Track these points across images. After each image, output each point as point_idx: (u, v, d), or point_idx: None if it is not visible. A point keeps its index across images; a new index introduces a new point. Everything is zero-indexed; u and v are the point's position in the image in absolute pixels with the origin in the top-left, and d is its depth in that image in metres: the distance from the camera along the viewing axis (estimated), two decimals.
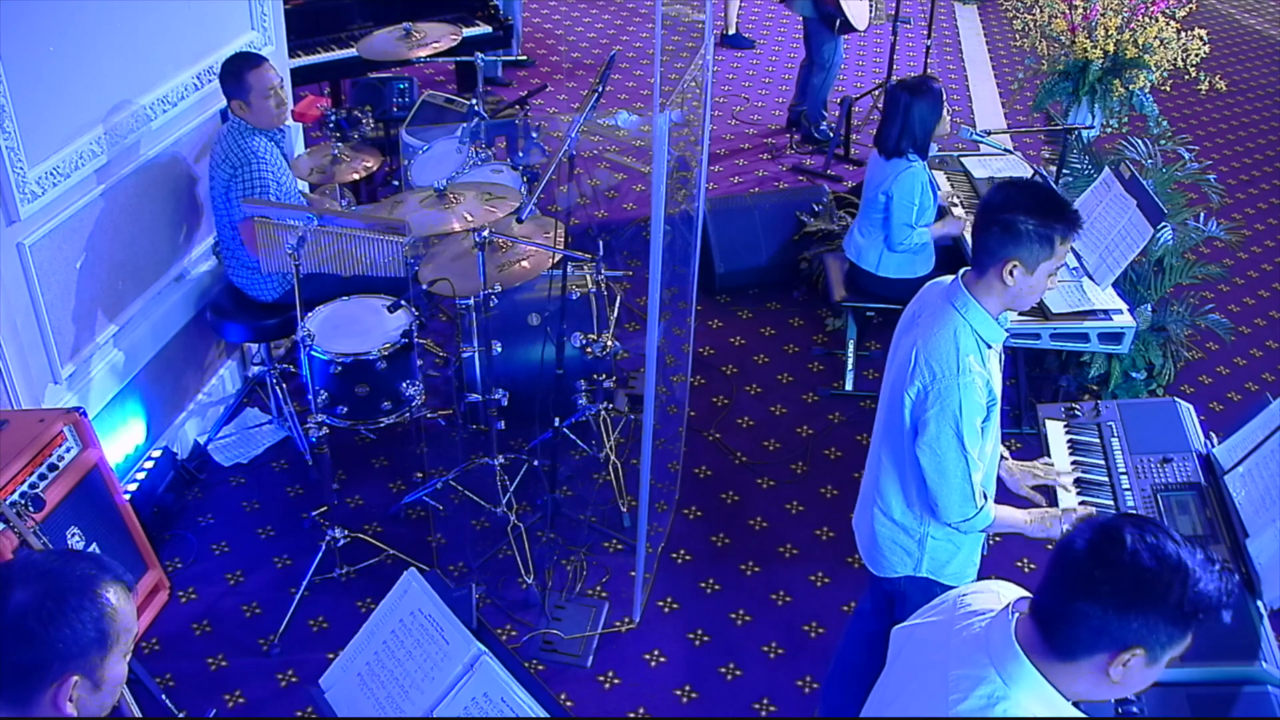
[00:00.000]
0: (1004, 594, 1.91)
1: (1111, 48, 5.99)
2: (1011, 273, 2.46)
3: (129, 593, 1.75)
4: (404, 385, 3.83)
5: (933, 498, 2.62)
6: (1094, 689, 1.70)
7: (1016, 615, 1.77)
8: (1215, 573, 1.63)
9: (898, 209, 4.42)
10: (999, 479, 2.99)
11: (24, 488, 3.11)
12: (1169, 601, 1.60)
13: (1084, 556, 1.65)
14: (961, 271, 2.61)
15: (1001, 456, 2.96)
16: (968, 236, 4.52)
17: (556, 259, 3.82)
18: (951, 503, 2.59)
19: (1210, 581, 1.62)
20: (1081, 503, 3.01)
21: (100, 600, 1.68)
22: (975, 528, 2.67)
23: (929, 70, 7.32)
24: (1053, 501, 3.04)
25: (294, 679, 3.55)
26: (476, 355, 4.03)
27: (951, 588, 2.76)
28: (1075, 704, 1.72)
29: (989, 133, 4.97)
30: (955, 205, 4.84)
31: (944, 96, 4.40)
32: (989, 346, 2.57)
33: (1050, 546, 2.79)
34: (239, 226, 4.01)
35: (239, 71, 3.95)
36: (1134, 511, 2.96)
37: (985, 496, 2.64)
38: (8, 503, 2.89)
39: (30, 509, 3.00)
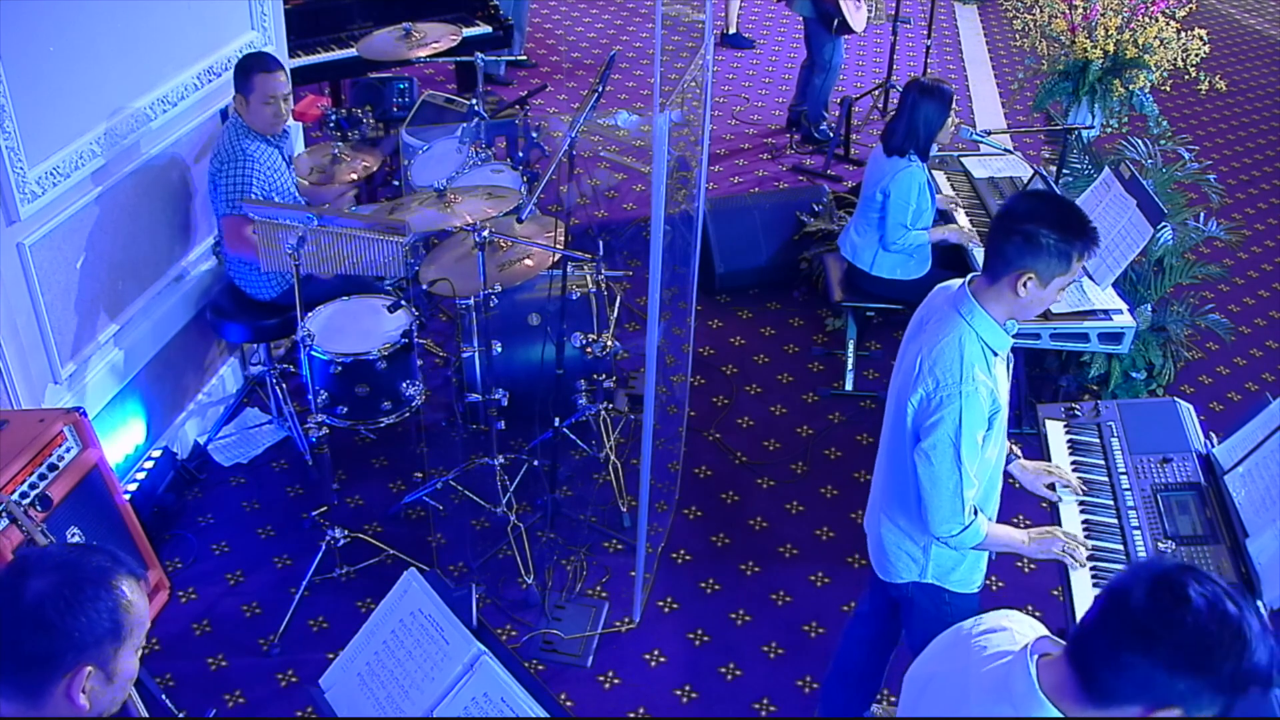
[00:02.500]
0: (1019, 631, 1.86)
1: (1111, 48, 5.99)
2: (1025, 284, 2.45)
3: (143, 588, 1.77)
4: (404, 385, 3.83)
5: (923, 506, 2.61)
6: None
7: (1037, 657, 1.72)
8: (1266, 642, 1.56)
9: (893, 208, 4.42)
10: (1014, 478, 2.98)
11: (24, 487, 3.11)
12: (1223, 672, 1.53)
13: (1144, 608, 1.57)
14: (969, 277, 2.59)
15: (1013, 454, 2.95)
16: (971, 247, 4.52)
17: (556, 259, 3.83)
18: (939, 514, 2.58)
19: (1264, 654, 1.54)
20: (1081, 504, 3.00)
21: (116, 591, 1.70)
22: (964, 544, 2.64)
23: (929, 70, 7.33)
24: (1052, 501, 3.04)
25: (294, 679, 3.55)
26: (476, 355, 4.04)
27: (959, 594, 2.77)
28: None
29: (989, 133, 4.98)
30: (957, 208, 4.84)
31: (953, 102, 4.40)
32: (995, 354, 2.56)
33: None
34: (220, 222, 4.01)
35: (249, 69, 3.96)
36: (1134, 512, 2.96)
37: (976, 513, 2.62)
38: (14, 498, 2.89)
39: (38, 507, 3.01)
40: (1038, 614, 2.44)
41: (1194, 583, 1.56)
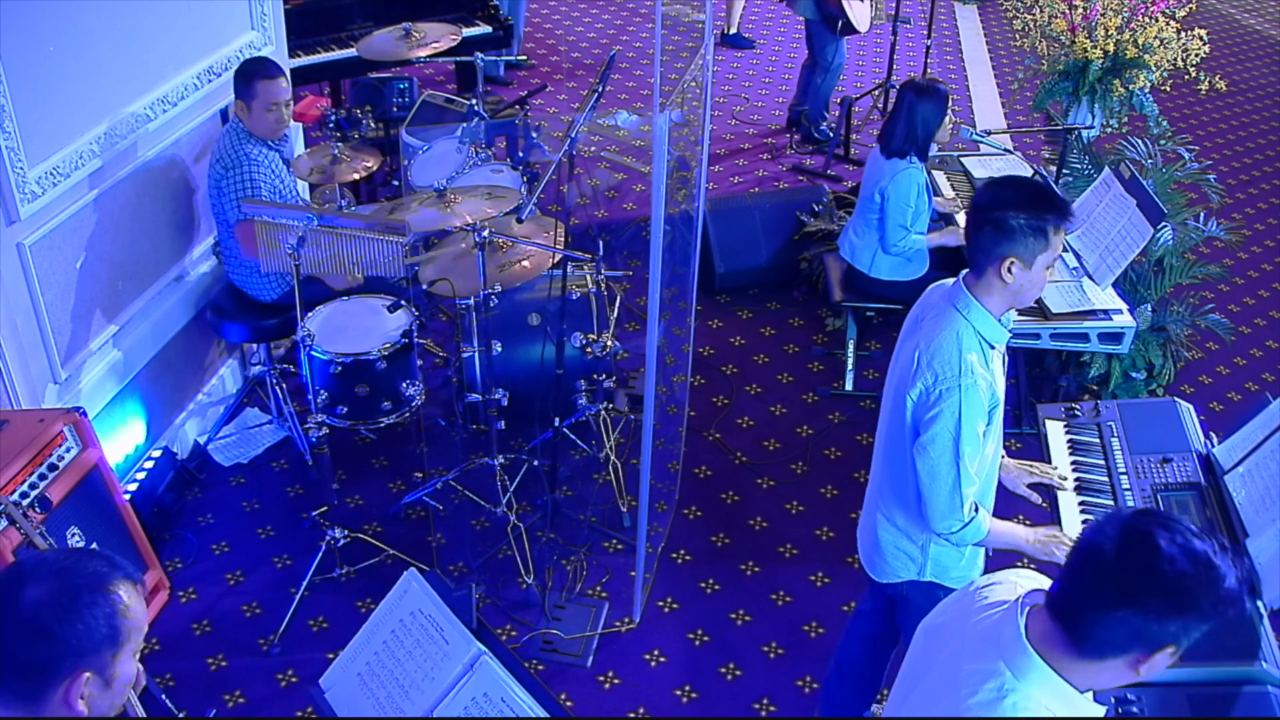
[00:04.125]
0: (1021, 585, 1.91)
1: (1111, 48, 5.99)
2: (1010, 270, 2.46)
3: (139, 592, 1.76)
4: (404, 385, 3.83)
5: (923, 503, 2.62)
6: (1115, 679, 1.72)
7: (1028, 608, 1.78)
8: (1231, 564, 1.64)
9: (893, 210, 4.42)
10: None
11: (24, 487, 3.11)
12: (1205, 605, 1.62)
13: (1119, 563, 1.64)
14: (964, 273, 2.60)
15: None
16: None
17: (556, 259, 3.83)
18: (939, 510, 2.58)
19: (1232, 575, 1.63)
20: (1081, 503, 3.00)
21: (113, 597, 1.70)
22: (965, 540, 2.64)
23: (929, 70, 7.33)
24: (1052, 500, 3.04)
25: (294, 679, 3.55)
26: (476, 355, 4.04)
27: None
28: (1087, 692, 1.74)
29: (989, 133, 4.98)
30: (957, 211, 4.83)
31: (950, 101, 4.40)
32: (992, 347, 2.57)
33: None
34: (234, 228, 4.01)
35: (251, 75, 3.95)
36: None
37: (977, 509, 2.62)
38: (11, 500, 2.89)
39: (37, 509, 3.01)
40: None
41: (1160, 530, 1.64)
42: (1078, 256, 4.27)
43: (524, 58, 7.74)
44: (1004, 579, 1.96)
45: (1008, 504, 4.14)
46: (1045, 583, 1.90)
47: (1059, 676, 1.71)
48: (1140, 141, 5.08)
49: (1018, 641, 1.74)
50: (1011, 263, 2.45)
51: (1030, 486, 3.01)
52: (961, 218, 4.79)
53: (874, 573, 2.89)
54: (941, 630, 2.00)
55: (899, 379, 2.64)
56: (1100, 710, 1.76)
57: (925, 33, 7.24)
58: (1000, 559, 3.89)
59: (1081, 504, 3.00)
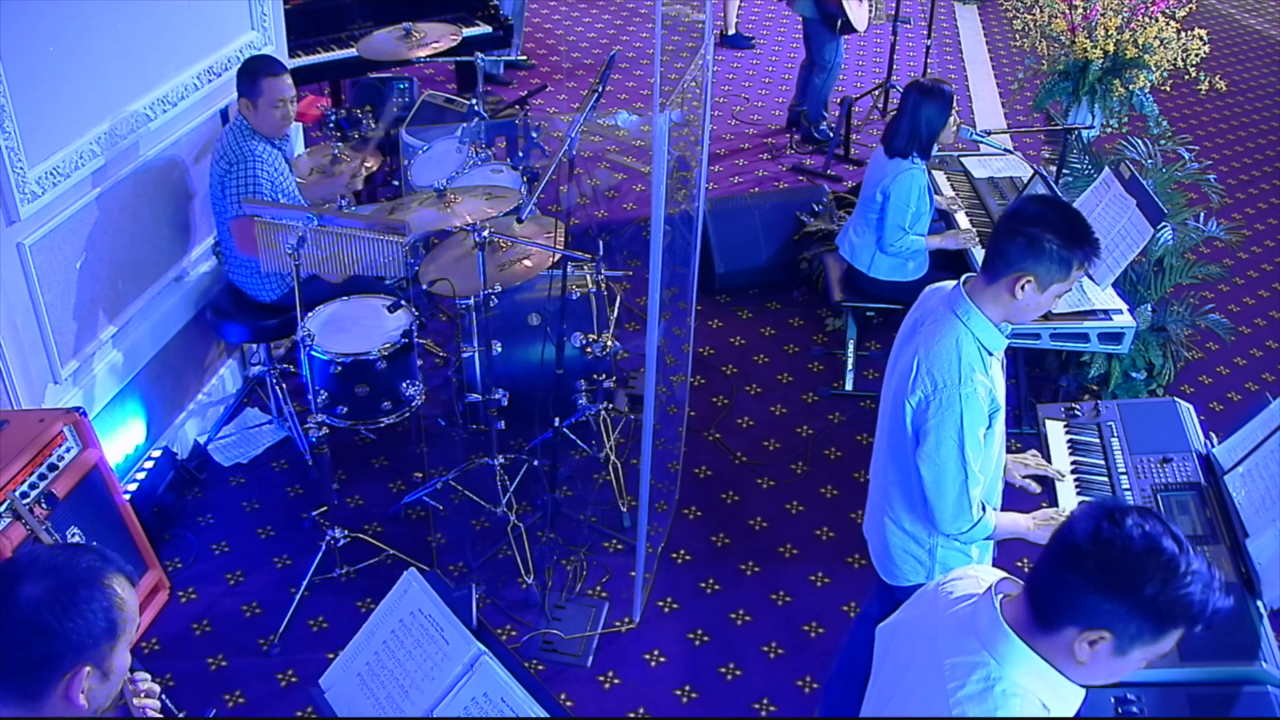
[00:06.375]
0: (983, 578, 1.93)
1: (1111, 48, 5.99)
2: (1023, 287, 2.44)
3: (131, 583, 1.78)
4: (404, 385, 3.83)
5: (930, 508, 2.62)
6: (1064, 668, 1.72)
7: (1000, 596, 1.80)
8: (1209, 585, 1.62)
9: (893, 209, 4.41)
10: None
11: (23, 487, 3.11)
12: (1144, 593, 1.61)
13: (1082, 531, 1.67)
14: (964, 277, 2.59)
15: None
16: (973, 250, 4.51)
17: (556, 259, 3.83)
18: (946, 514, 2.58)
19: (1199, 591, 1.61)
20: (1081, 504, 3.00)
21: (109, 591, 1.72)
22: (975, 538, 2.66)
23: (929, 70, 7.33)
24: (1051, 492, 3.04)
25: (294, 679, 3.55)
26: (476, 355, 4.04)
27: None
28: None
29: (989, 133, 4.98)
30: (958, 211, 4.83)
31: (954, 102, 4.40)
32: (990, 354, 2.56)
33: None
34: (231, 225, 4.01)
35: (256, 73, 3.95)
36: None
37: (984, 508, 2.63)
38: (17, 494, 2.90)
39: (43, 504, 3.02)
40: None
41: (1136, 515, 1.65)
42: None
43: (524, 58, 7.74)
44: (963, 574, 1.98)
45: (1007, 498, 4.15)
46: (1005, 574, 1.93)
47: (1039, 656, 1.72)
48: (1140, 141, 5.08)
49: (996, 626, 1.75)
50: (1027, 281, 2.44)
51: (1028, 478, 3.02)
52: (962, 216, 4.79)
53: (885, 575, 2.89)
54: (906, 629, 2.01)
55: (898, 384, 2.63)
56: (1082, 692, 1.75)
57: (925, 33, 7.25)
58: (996, 562, 3.89)
59: (1081, 504, 3.00)
